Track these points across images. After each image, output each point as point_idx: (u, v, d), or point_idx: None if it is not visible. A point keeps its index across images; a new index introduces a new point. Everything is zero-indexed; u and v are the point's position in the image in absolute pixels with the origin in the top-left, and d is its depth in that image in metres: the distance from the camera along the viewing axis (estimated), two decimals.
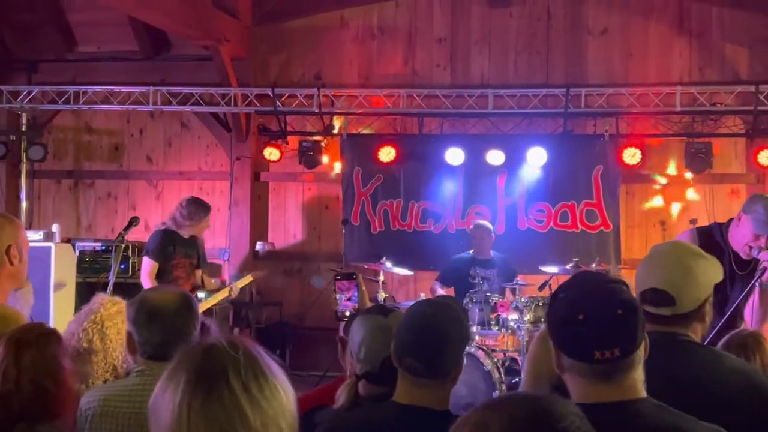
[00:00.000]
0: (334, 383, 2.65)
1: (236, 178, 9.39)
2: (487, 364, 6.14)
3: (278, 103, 8.86)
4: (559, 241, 8.61)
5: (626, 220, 8.77)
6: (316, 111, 8.84)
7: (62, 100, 8.99)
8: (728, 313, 3.57)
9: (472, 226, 7.89)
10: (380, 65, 9.28)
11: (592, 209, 8.61)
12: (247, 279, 7.12)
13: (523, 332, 6.57)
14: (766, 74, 8.43)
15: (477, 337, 6.57)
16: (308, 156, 9.01)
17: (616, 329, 1.73)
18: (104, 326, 3.07)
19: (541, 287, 7.05)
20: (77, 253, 7.99)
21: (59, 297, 6.32)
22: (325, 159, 9.13)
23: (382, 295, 7.25)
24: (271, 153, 9.01)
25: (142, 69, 9.40)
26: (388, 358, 2.26)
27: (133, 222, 5.55)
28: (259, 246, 9.30)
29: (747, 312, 3.76)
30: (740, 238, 3.85)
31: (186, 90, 8.81)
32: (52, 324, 3.45)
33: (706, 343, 2.53)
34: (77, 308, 3.25)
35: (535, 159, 8.48)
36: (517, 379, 6.33)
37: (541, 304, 6.57)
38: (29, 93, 9.09)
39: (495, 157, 8.52)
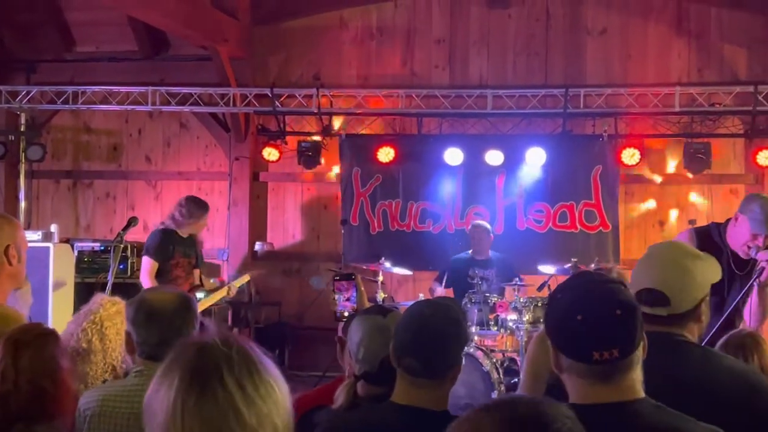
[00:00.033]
0: (333, 383, 2.65)
1: (235, 178, 9.39)
2: (486, 364, 6.14)
3: (277, 103, 8.86)
4: (558, 241, 8.61)
5: (625, 220, 8.77)
6: (315, 111, 8.84)
7: (61, 100, 8.97)
8: (726, 313, 3.57)
9: (470, 227, 7.88)
10: (379, 65, 9.27)
11: (591, 209, 8.61)
12: (244, 278, 7.12)
13: (521, 332, 6.57)
14: (765, 75, 8.44)
15: (476, 338, 6.57)
16: (307, 156, 9.00)
17: (614, 330, 1.73)
18: (103, 326, 3.08)
19: (540, 287, 7.04)
20: (76, 253, 7.98)
21: (58, 297, 6.30)
22: (323, 159, 9.13)
23: (380, 296, 7.24)
24: (270, 153, 9.01)
25: (140, 69, 9.39)
26: (386, 359, 2.26)
27: (131, 222, 5.56)
28: (258, 246, 9.29)
29: (746, 312, 3.76)
30: (738, 238, 3.85)
31: (185, 90, 8.81)
32: (50, 324, 3.45)
33: (704, 343, 2.53)
34: (76, 308, 3.25)
35: (534, 159, 8.48)
36: (515, 380, 6.31)
37: (539, 304, 6.56)
38: (28, 93, 9.08)
39: (494, 157, 8.52)
